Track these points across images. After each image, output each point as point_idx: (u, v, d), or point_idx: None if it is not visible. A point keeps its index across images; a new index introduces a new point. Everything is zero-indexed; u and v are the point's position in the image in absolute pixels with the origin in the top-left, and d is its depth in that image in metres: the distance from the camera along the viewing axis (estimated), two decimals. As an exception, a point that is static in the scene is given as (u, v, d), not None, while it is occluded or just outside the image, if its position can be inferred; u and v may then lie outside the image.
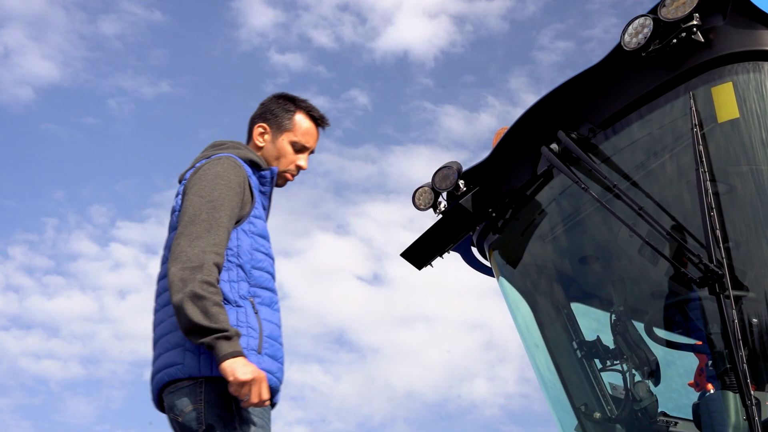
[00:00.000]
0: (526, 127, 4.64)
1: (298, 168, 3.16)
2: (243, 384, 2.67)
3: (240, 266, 2.87)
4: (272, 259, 2.97)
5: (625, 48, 4.09)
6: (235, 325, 2.80)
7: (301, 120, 3.19)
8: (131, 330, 16.60)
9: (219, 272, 2.79)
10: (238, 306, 2.84)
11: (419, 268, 5.06)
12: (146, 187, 17.70)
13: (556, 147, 4.47)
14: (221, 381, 2.75)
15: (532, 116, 4.59)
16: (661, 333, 4.59)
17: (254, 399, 2.69)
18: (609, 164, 4.39)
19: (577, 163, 4.41)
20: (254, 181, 3.02)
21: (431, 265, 5.07)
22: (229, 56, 17.78)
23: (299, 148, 3.17)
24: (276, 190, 3.22)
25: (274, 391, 2.87)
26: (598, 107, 4.40)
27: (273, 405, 2.94)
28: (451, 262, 5.18)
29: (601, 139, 4.42)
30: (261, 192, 3.05)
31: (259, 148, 3.15)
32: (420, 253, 5.01)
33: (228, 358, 2.68)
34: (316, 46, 17.52)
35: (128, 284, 16.93)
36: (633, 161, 4.38)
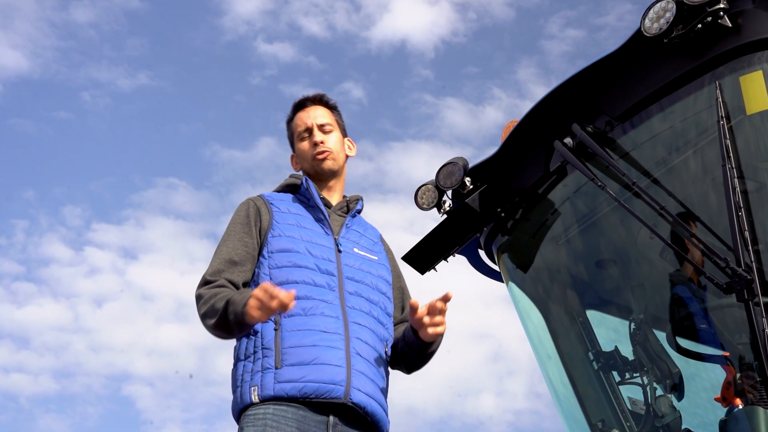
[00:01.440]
0: (537, 119, 4.62)
1: (316, 144, 3.45)
2: (257, 316, 2.97)
3: None
4: (305, 267, 3.19)
5: (645, 34, 4.08)
6: (252, 351, 3.12)
7: (293, 120, 3.56)
8: (108, 341, 16.47)
9: (210, 284, 3.18)
10: (255, 333, 3.15)
11: (422, 272, 5.06)
12: (124, 187, 17.62)
13: (570, 141, 4.46)
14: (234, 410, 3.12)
15: (544, 108, 4.57)
16: (684, 343, 4.53)
17: (273, 307, 2.93)
18: (628, 160, 4.37)
19: (593, 158, 4.40)
20: (282, 204, 3.35)
21: (435, 270, 5.07)
22: (213, 46, 17.69)
23: (303, 136, 3.50)
24: None
25: (299, 396, 3.00)
26: (615, 98, 4.39)
27: (329, 410, 3.07)
28: (456, 266, 5.19)
29: (619, 133, 4.40)
30: (309, 205, 3.37)
31: (300, 170, 3.53)
32: (423, 257, 5.01)
33: (246, 312, 2.99)
34: (307, 35, 17.44)
35: (105, 291, 16.82)
36: (654, 157, 4.36)
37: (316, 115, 3.49)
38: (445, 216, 4.87)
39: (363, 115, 16.90)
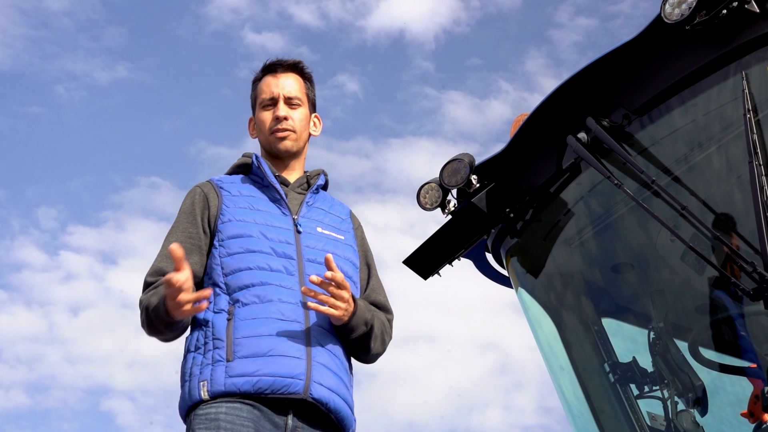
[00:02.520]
0: (549, 113, 4.57)
1: (278, 119, 3.33)
2: (179, 310, 2.91)
3: (214, 284, 3.13)
4: (258, 251, 3.12)
5: (665, 20, 4.02)
6: (203, 342, 3.06)
7: (259, 82, 3.43)
8: (85, 352, 16.32)
9: (148, 287, 3.12)
10: (207, 323, 3.09)
11: (425, 277, 5.02)
12: (102, 186, 17.51)
13: (585, 136, 4.42)
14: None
15: (556, 100, 4.52)
16: (708, 354, 4.51)
17: (184, 309, 2.90)
18: (646, 156, 4.33)
19: (609, 155, 4.37)
20: (233, 186, 3.28)
21: (439, 274, 5.02)
22: (197, 36, 17.60)
23: (266, 104, 3.37)
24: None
25: (253, 392, 2.93)
26: (633, 90, 4.35)
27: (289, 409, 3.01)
28: (461, 270, 5.12)
29: (637, 128, 4.37)
30: (263, 185, 3.27)
31: (255, 137, 3.43)
32: (426, 260, 4.96)
33: (168, 312, 2.94)
34: (298, 23, 17.35)
35: (82, 299, 16.69)
36: (674, 153, 4.33)
37: (285, 84, 3.37)
38: (449, 217, 4.82)
39: (359, 110, 16.84)
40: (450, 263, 5.00)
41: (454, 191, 4.78)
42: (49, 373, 15.95)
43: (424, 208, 4.77)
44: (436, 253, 4.93)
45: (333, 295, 3.00)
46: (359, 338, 3.15)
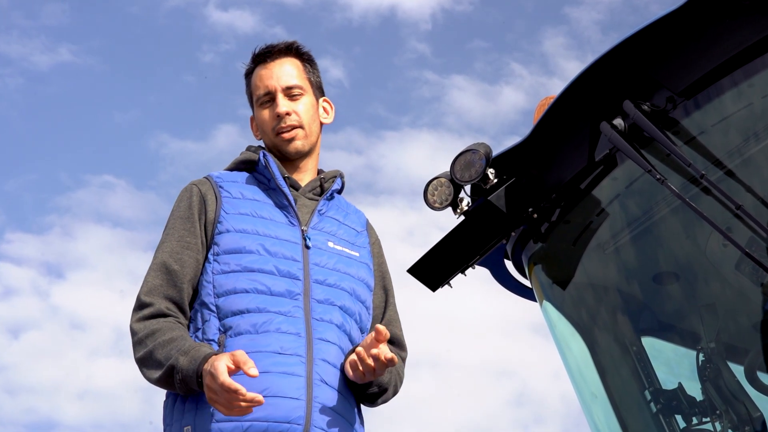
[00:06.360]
0: (579, 95, 4.52)
1: (279, 116, 3.32)
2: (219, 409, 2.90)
3: (203, 304, 3.12)
4: (259, 270, 3.10)
5: None
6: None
7: (251, 76, 3.42)
8: (28, 380, 16.23)
9: (144, 308, 3.07)
10: None
11: (434, 289, 4.95)
12: (46, 188, 17.47)
13: (621, 123, 4.37)
14: None
15: (588, 81, 4.47)
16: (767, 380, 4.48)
17: (229, 411, 2.85)
18: (694, 146, 4.30)
19: (650, 144, 4.32)
20: (234, 187, 3.26)
21: (450, 285, 4.96)
22: (154, 14, 17.53)
23: (264, 101, 3.36)
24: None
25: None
26: (678, 69, 4.31)
27: None
28: (475, 281, 5.06)
29: (683, 113, 4.33)
30: (269, 188, 3.27)
31: (260, 138, 3.44)
32: (435, 269, 4.89)
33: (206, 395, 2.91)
34: (272, 0, 17.26)
35: (23, 318, 16.63)
36: (727, 143, 4.30)
37: (281, 74, 3.35)
38: (462, 217, 4.74)
39: (346, 99, 16.72)
40: (463, 272, 4.94)
41: (468, 188, 4.72)
42: (-14, 405, 15.86)
43: (433, 208, 4.71)
44: (446, 260, 4.87)
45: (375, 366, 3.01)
46: (367, 395, 3.20)
